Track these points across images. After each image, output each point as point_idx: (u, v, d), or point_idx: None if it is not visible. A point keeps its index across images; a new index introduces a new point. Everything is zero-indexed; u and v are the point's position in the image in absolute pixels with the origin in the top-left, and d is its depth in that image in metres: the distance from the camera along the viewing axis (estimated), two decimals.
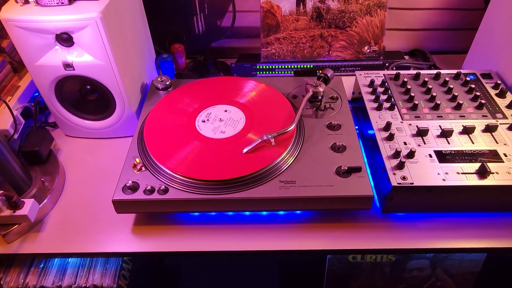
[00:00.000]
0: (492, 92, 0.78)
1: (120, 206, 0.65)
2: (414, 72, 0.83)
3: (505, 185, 0.61)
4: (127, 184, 0.64)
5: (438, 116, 0.73)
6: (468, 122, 0.72)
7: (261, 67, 1.00)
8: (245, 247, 0.65)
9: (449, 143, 0.68)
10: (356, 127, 0.75)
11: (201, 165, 0.66)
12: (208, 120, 0.75)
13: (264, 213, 0.69)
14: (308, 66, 0.99)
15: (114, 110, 0.79)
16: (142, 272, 0.81)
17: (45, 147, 0.76)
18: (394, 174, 0.63)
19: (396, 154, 0.66)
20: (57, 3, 0.66)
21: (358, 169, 0.66)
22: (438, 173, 0.63)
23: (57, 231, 0.68)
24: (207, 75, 1.00)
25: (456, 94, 0.76)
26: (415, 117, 0.73)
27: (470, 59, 0.96)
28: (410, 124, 0.72)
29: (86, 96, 0.79)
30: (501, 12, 0.84)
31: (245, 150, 0.67)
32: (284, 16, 0.95)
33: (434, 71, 0.83)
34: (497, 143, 0.68)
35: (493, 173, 0.62)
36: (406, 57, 1.07)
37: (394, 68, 0.98)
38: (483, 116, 0.73)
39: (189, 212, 0.69)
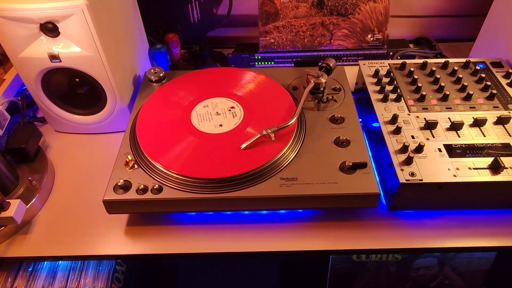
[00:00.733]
0: (503, 82, 0.74)
1: (112, 207, 0.61)
2: (420, 61, 0.79)
3: None
4: (119, 183, 0.61)
5: (447, 108, 0.69)
6: (479, 114, 0.68)
7: (259, 57, 0.96)
8: (244, 248, 0.62)
9: (459, 137, 0.64)
10: (360, 120, 0.71)
11: (197, 162, 0.62)
12: (204, 114, 0.71)
13: (264, 212, 0.66)
14: (309, 56, 0.95)
15: (105, 104, 0.75)
16: (137, 274, 0.78)
17: (32, 144, 0.72)
18: (402, 170, 0.60)
19: (404, 149, 0.62)
20: None
21: (363, 165, 0.62)
22: (449, 169, 0.59)
23: (46, 233, 0.65)
24: (203, 66, 0.96)
25: (465, 84, 0.72)
26: (423, 109, 0.70)
27: (478, 47, 0.92)
28: (417, 117, 0.68)
29: (75, 90, 0.75)
30: None
31: (243, 146, 0.63)
32: (283, 3, 0.90)
33: (442, 60, 0.79)
34: (510, 136, 0.64)
35: (506, 168, 0.59)
36: (411, 45, 1.02)
37: (399, 57, 0.94)
38: (494, 107, 0.69)
39: (185, 212, 0.66)
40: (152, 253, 0.63)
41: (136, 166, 0.64)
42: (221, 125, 0.68)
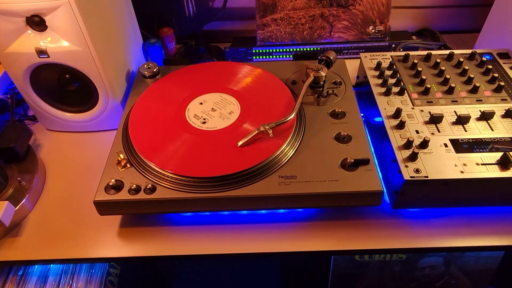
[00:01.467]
0: (511, 73, 0.71)
1: (103, 208, 0.59)
2: (424, 53, 0.76)
3: None
4: (110, 183, 0.58)
5: (452, 101, 0.67)
6: (486, 107, 0.65)
7: (257, 51, 0.93)
8: (242, 249, 0.60)
9: (466, 131, 0.61)
10: (361, 115, 0.68)
11: (192, 161, 0.60)
12: (199, 110, 0.68)
13: (263, 212, 0.63)
14: (308, 49, 0.92)
15: (96, 101, 0.73)
16: (132, 277, 0.75)
17: (22, 143, 0.69)
18: (406, 166, 0.57)
19: (408, 144, 0.59)
20: None
21: (365, 162, 0.59)
22: (455, 165, 0.57)
23: (37, 235, 0.62)
24: (199, 61, 0.93)
25: (471, 76, 0.69)
26: (427, 102, 0.67)
27: (484, 38, 0.89)
28: (422, 110, 0.65)
29: (66, 86, 0.73)
30: None
31: (240, 143, 0.61)
32: None
33: (447, 51, 0.76)
34: None
35: None
36: (414, 37, 0.99)
37: (401, 50, 0.91)
38: (502, 99, 0.66)
39: (180, 213, 0.63)
40: (147, 255, 0.60)
41: (128, 165, 0.61)
42: (217, 122, 0.66)
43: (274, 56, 0.94)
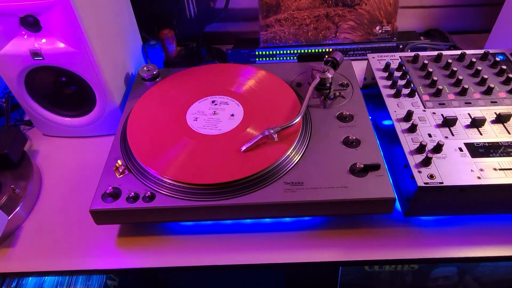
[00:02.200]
0: None
1: (100, 217, 0.56)
2: (435, 53, 0.73)
3: None
4: (107, 191, 0.55)
5: (466, 103, 0.63)
6: (501, 109, 0.62)
7: (260, 52, 0.90)
8: (246, 260, 0.57)
9: (481, 134, 0.58)
10: (369, 118, 0.65)
11: (193, 167, 0.57)
12: (201, 113, 0.65)
13: (267, 220, 0.60)
14: (313, 51, 0.89)
15: (94, 104, 0.70)
16: None
17: (16, 149, 0.66)
18: (420, 172, 0.54)
19: (421, 149, 0.56)
20: None
21: (376, 167, 0.56)
22: (472, 170, 0.53)
23: (31, 246, 0.60)
24: (200, 63, 0.90)
25: (485, 76, 0.66)
26: (439, 104, 0.64)
27: (494, 38, 0.86)
28: (434, 113, 0.62)
29: (62, 90, 0.70)
30: None
31: (243, 148, 0.58)
32: None
33: (458, 52, 0.73)
34: None
35: None
36: (421, 38, 0.96)
37: (409, 50, 0.88)
38: None
39: (180, 222, 0.60)
40: (146, 267, 0.57)
41: (126, 171, 0.58)
42: (219, 126, 0.63)
43: (278, 58, 0.91)
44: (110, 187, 0.55)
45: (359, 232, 0.59)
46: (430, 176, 0.53)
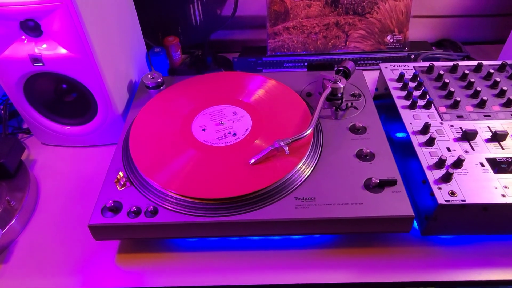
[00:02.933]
0: None
1: (99, 232, 0.53)
2: (450, 63, 0.70)
3: None
4: (108, 205, 0.52)
5: (485, 116, 0.61)
6: None
7: (267, 61, 0.88)
8: (253, 279, 0.54)
9: (503, 149, 0.55)
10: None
11: (198, 180, 0.54)
12: (207, 124, 0.62)
13: (276, 236, 0.57)
14: (322, 60, 0.87)
15: (96, 113, 0.67)
16: None
17: (13, 159, 0.64)
18: (440, 188, 0.50)
19: (440, 163, 0.53)
20: None
21: (393, 182, 0.53)
22: (495, 187, 0.50)
23: (26, 262, 0.56)
24: (205, 72, 0.88)
25: (504, 88, 0.63)
26: (457, 116, 0.61)
27: (509, 49, 0.83)
28: (452, 126, 0.59)
29: (63, 97, 0.67)
30: None
31: (252, 161, 0.55)
32: (294, 2, 0.82)
33: (474, 62, 0.70)
34: None
35: None
36: (433, 48, 0.94)
37: (421, 61, 0.86)
38: None
39: (184, 238, 0.57)
40: (147, 286, 0.54)
41: (128, 184, 0.55)
42: (226, 137, 0.60)
43: (285, 67, 0.89)
44: (110, 201, 0.52)
45: (372, 251, 0.55)
46: (451, 193, 0.50)
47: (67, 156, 0.72)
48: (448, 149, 0.56)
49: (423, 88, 0.66)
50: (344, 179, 0.54)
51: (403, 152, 0.60)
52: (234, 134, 0.60)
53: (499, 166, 0.53)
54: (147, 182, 0.55)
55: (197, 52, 0.92)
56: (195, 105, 0.66)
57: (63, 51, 0.58)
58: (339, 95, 0.65)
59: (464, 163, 0.53)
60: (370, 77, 0.78)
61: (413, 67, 0.71)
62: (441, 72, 0.67)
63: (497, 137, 0.56)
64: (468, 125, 0.59)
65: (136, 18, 0.78)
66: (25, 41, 0.58)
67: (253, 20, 0.94)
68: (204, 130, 0.61)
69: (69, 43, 0.58)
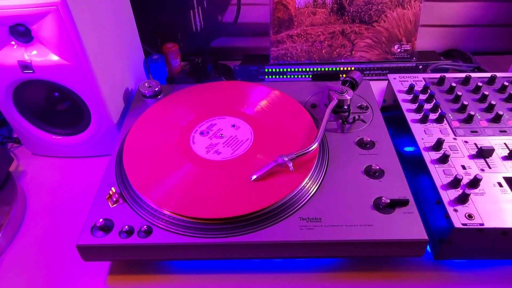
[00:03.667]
0: None
1: (88, 253, 0.49)
2: (462, 75, 0.67)
3: None
4: (98, 224, 0.48)
5: (501, 131, 0.57)
6: None
7: (270, 70, 0.85)
8: None
9: None
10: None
11: (196, 198, 0.50)
12: (206, 136, 0.59)
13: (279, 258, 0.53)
14: (327, 69, 0.84)
15: (89, 122, 0.64)
16: None
17: None
18: (456, 210, 0.47)
19: (456, 183, 0.49)
20: None
21: (405, 203, 0.49)
22: None
23: (10, 281, 0.52)
24: (205, 80, 0.85)
25: None
26: (471, 132, 0.57)
27: None
28: (466, 142, 0.56)
29: (55, 106, 0.64)
30: None
31: (254, 177, 0.51)
32: (299, 9, 0.79)
33: (488, 74, 0.67)
34: None
35: None
36: (441, 58, 0.91)
37: (429, 71, 0.82)
38: None
39: (180, 260, 0.53)
40: None
41: (120, 200, 0.52)
42: (226, 151, 0.56)
43: (289, 76, 0.85)
44: (101, 219, 0.49)
45: (382, 276, 0.52)
46: (468, 216, 0.46)
47: (57, 167, 0.68)
48: (463, 167, 0.52)
49: (434, 101, 0.62)
50: (352, 198, 0.51)
51: (413, 168, 0.57)
52: (235, 148, 0.57)
53: None
54: (141, 198, 0.51)
55: (197, 60, 0.89)
56: (194, 116, 0.62)
57: (54, 58, 0.55)
58: (346, 107, 0.62)
59: (480, 183, 0.49)
60: (377, 87, 0.75)
61: (423, 78, 0.68)
62: (453, 84, 0.64)
63: None
64: (483, 141, 0.56)
65: (134, 23, 0.75)
66: (15, 47, 0.55)
67: (256, 27, 0.91)
68: (202, 143, 0.58)
69: (61, 49, 0.54)
